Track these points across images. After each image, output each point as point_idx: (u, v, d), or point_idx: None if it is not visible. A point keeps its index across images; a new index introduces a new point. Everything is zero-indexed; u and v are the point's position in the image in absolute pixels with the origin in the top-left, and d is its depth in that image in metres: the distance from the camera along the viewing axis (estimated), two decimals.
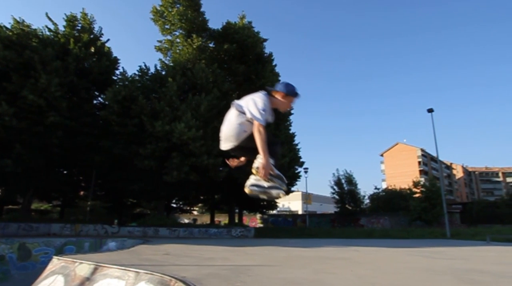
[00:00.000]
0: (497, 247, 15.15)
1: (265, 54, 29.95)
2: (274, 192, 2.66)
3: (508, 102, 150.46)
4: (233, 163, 3.36)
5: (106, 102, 23.11)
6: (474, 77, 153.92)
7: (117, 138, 22.39)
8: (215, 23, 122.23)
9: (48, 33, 23.65)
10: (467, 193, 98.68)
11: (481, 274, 5.72)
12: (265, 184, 2.63)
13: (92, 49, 24.37)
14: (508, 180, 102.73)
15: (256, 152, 2.61)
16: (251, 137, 2.58)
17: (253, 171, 2.63)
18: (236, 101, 2.77)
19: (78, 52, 22.70)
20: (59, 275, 5.76)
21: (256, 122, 2.51)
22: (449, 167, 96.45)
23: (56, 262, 6.36)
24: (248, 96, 2.72)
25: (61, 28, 24.40)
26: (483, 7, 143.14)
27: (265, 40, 29.77)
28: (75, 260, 5.94)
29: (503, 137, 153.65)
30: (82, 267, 5.64)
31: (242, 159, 3.15)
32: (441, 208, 28.41)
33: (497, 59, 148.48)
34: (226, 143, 2.82)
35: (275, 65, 30.27)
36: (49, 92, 19.73)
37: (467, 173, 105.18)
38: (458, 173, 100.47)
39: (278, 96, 2.74)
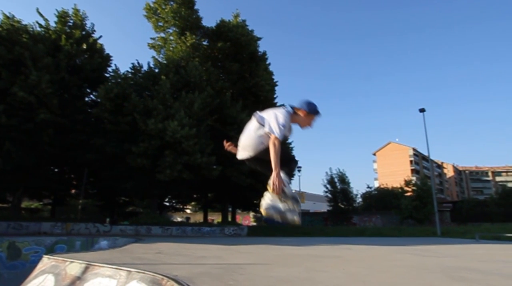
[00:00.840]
0: (486, 245, 15.42)
1: (259, 53, 29.96)
2: (289, 217, 2.64)
3: (498, 102, 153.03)
4: (228, 146, 3.44)
5: (98, 100, 22.89)
6: (465, 76, 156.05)
7: (110, 136, 22.19)
8: (209, 21, 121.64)
9: (39, 29, 23.29)
10: (457, 191, 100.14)
11: (470, 271, 5.81)
12: (281, 206, 2.63)
13: (84, 46, 24.06)
14: (498, 179, 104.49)
15: (271, 167, 2.65)
16: (268, 150, 2.62)
17: (268, 187, 2.64)
18: (259, 113, 2.86)
19: (70, 48, 22.41)
20: (49, 275, 5.69)
21: (272, 136, 2.57)
22: (440, 166, 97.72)
23: (46, 261, 6.28)
24: (271, 110, 2.82)
25: (52, 24, 24.05)
26: (472, 7, 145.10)
27: (259, 39, 29.77)
28: (65, 259, 5.88)
29: (493, 137, 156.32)
30: (73, 266, 5.58)
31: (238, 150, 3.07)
32: (432, 206, 28.81)
33: (487, 58, 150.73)
34: (243, 152, 2.92)
35: (269, 64, 30.31)
36: (39, 89, 19.45)
37: (458, 172, 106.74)
38: (449, 172, 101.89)
39: (301, 113, 2.81)
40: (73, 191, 30.45)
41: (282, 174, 2.56)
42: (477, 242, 17.60)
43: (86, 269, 5.31)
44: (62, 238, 15.37)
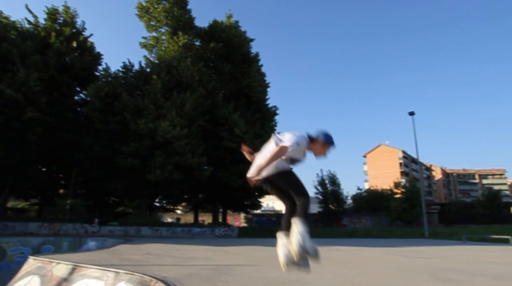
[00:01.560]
0: (472, 246, 15.72)
1: (252, 54, 29.97)
2: (305, 267, 2.85)
3: (485, 105, 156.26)
4: (247, 152, 3.55)
5: (88, 99, 22.56)
6: (455, 78, 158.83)
7: (99, 136, 21.90)
8: (201, 21, 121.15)
9: (27, 25, 22.88)
10: (445, 194, 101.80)
11: (456, 272, 5.92)
12: (308, 246, 2.75)
13: (74, 44, 23.71)
14: (484, 181, 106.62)
15: (282, 192, 3.01)
16: (280, 174, 2.85)
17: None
18: (277, 135, 3.02)
19: (59, 46, 22.06)
20: (35, 276, 5.59)
21: (280, 144, 2.79)
22: (429, 169, 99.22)
23: (32, 262, 6.17)
24: (290, 132, 2.98)
25: (42, 21, 23.66)
26: (461, 8, 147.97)
27: (252, 40, 29.80)
28: (52, 260, 5.79)
29: (480, 140, 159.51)
30: (59, 267, 5.50)
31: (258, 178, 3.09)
32: (421, 208, 29.22)
33: (478, 60, 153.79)
34: (256, 171, 2.96)
35: (261, 65, 30.35)
36: (27, 86, 19.10)
37: (446, 174, 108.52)
38: (437, 175, 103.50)
39: (317, 142, 2.98)
40: (61, 191, 29.93)
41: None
42: (464, 244, 17.92)
43: (73, 270, 5.23)
44: (49, 239, 15.10)
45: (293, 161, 3.02)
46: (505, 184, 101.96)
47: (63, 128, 22.04)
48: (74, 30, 24.39)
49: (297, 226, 2.82)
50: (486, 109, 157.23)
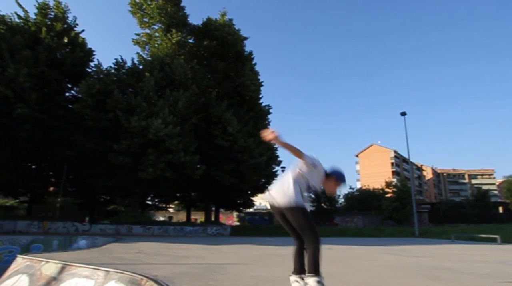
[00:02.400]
0: (460, 245, 15.98)
1: (245, 53, 29.93)
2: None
3: (476, 104, 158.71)
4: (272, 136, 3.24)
5: (79, 95, 22.29)
6: (446, 78, 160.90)
7: (91, 133, 21.66)
8: (195, 18, 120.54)
9: (17, 20, 22.49)
10: (435, 193, 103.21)
11: (444, 271, 6.02)
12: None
13: (65, 40, 23.36)
14: (473, 181, 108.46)
15: (291, 226, 2.96)
16: (293, 209, 2.81)
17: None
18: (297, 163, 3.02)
19: (50, 41, 21.73)
20: (23, 275, 5.51)
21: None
22: (420, 169, 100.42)
23: (20, 261, 6.08)
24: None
25: (32, 16, 23.28)
26: (453, 7, 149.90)
27: (246, 38, 29.76)
28: (41, 259, 5.71)
29: (470, 140, 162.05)
30: (48, 266, 5.43)
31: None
32: (411, 207, 29.60)
33: (469, 60, 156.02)
34: (270, 197, 3.01)
35: (255, 64, 30.32)
36: (17, 82, 18.79)
37: (436, 174, 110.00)
38: (428, 174, 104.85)
39: (331, 179, 3.07)
40: (51, 189, 29.54)
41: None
42: (453, 242, 18.21)
43: (62, 269, 5.17)
44: (38, 237, 14.91)
45: (309, 188, 2.98)
46: (493, 184, 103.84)
47: (54, 125, 21.74)
48: (65, 26, 24.04)
49: None
50: (476, 110, 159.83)
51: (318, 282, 2.68)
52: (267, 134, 2.79)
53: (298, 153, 2.82)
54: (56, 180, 26.48)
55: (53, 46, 21.96)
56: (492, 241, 18.11)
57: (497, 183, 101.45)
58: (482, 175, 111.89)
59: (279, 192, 2.92)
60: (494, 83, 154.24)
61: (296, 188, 2.84)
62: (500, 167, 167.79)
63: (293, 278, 3.03)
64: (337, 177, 3.05)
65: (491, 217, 42.65)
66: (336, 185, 3.08)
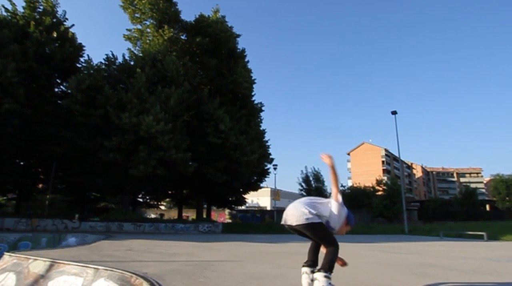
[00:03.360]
0: (448, 242, 16.27)
1: (238, 50, 29.81)
2: None
3: (465, 102, 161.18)
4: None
5: (69, 91, 21.91)
6: (438, 76, 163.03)
7: (80, 129, 21.36)
8: (187, 15, 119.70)
9: (4, 13, 22.01)
10: (425, 191, 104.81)
11: (432, 267, 6.12)
12: None
13: (55, 34, 22.93)
14: (462, 180, 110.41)
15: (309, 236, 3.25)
16: (310, 226, 3.08)
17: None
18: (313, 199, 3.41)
19: (39, 36, 21.31)
20: (10, 273, 5.43)
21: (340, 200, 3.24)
22: (409, 167, 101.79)
23: (7, 259, 5.99)
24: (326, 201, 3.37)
25: (20, 9, 22.80)
26: (443, 6, 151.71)
27: (238, 35, 29.62)
28: (28, 257, 5.64)
29: (459, 139, 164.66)
30: (36, 264, 5.36)
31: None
32: (401, 205, 29.99)
33: (459, 59, 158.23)
34: (286, 217, 3.27)
35: (248, 62, 30.23)
36: (4, 77, 18.39)
37: (426, 172, 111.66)
38: (418, 173, 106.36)
39: (344, 222, 3.35)
40: (40, 186, 29.10)
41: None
42: (441, 239, 18.53)
43: (50, 267, 5.11)
44: (26, 235, 14.69)
45: (328, 225, 3.24)
46: (481, 182, 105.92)
47: (42, 121, 21.37)
48: (54, 20, 23.60)
49: (320, 284, 2.88)
50: (465, 109, 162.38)
51: (326, 277, 2.89)
52: (326, 158, 3.18)
53: (337, 187, 3.22)
54: (45, 176, 26.07)
55: (42, 40, 21.55)
56: (479, 238, 18.48)
57: (485, 181, 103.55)
58: (470, 173, 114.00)
59: (294, 218, 3.18)
60: (484, 82, 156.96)
61: (313, 212, 3.14)
62: (488, 166, 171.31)
63: (304, 269, 3.36)
64: (348, 220, 3.35)
65: (478, 214, 43.51)
66: (346, 227, 3.37)
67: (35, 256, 5.69)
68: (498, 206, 48.80)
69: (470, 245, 14.36)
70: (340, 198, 3.20)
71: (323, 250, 3.28)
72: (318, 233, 3.15)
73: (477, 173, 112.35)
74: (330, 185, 3.52)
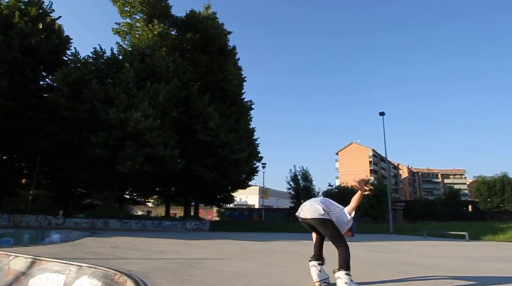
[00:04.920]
0: (431, 241, 16.64)
1: (229, 47, 29.65)
2: None
3: (451, 102, 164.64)
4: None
5: (55, 84, 21.41)
6: (425, 77, 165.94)
7: (66, 124, 20.91)
8: (178, 10, 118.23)
9: None
10: (410, 192, 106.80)
11: (414, 266, 6.26)
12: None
13: (40, 26, 22.29)
14: (446, 181, 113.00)
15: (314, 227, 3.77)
16: (320, 221, 3.58)
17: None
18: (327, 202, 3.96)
19: (24, 27, 20.70)
20: None
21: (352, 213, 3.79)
22: (396, 167, 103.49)
23: None
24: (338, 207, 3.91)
25: None
26: (430, 6, 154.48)
27: (229, 33, 29.46)
28: (9, 253, 5.52)
29: (444, 140, 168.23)
30: (17, 260, 5.25)
31: None
32: (387, 205, 30.50)
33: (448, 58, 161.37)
34: (301, 211, 3.83)
35: (238, 59, 30.13)
36: None
37: (412, 173, 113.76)
38: (404, 173, 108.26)
39: (349, 230, 3.84)
40: (23, 181, 28.36)
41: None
42: (424, 239, 18.94)
43: (32, 264, 5.02)
44: (8, 231, 14.33)
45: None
46: (464, 183, 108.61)
47: (27, 115, 20.83)
48: (40, 11, 22.94)
49: (343, 281, 3.29)
50: (450, 110, 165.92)
51: (347, 274, 3.31)
52: (359, 183, 3.62)
53: (357, 205, 3.67)
54: (29, 171, 25.44)
55: (27, 31, 20.94)
56: (461, 238, 18.97)
57: (468, 183, 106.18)
58: (454, 174, 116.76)
59: (309, 212, 3.70)
60: (471, 82, 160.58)
61: (323, 208, 3.68)
62: (471, 168, 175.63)
63: (312, 263, 3.86)
64: (352, 231, 3.85)
65: (461, 215, 44.56)
66: (347, 234, 3.80)
67: (16, 252, 5.57)
68: (480, 207, 50.04)
69: (452, 244, 14.73)
70: (353, 214, 3.69)
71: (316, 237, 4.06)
72: (328, 229, 3.52)
73: (461, 174, 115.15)
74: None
